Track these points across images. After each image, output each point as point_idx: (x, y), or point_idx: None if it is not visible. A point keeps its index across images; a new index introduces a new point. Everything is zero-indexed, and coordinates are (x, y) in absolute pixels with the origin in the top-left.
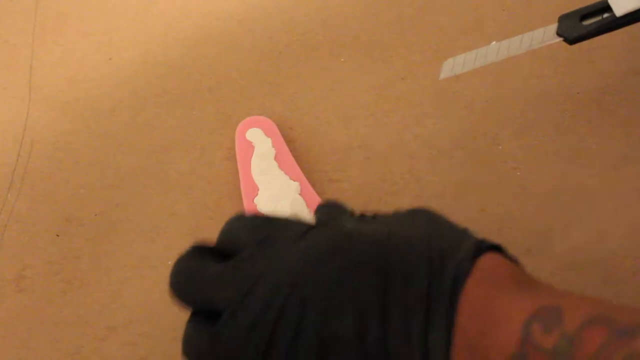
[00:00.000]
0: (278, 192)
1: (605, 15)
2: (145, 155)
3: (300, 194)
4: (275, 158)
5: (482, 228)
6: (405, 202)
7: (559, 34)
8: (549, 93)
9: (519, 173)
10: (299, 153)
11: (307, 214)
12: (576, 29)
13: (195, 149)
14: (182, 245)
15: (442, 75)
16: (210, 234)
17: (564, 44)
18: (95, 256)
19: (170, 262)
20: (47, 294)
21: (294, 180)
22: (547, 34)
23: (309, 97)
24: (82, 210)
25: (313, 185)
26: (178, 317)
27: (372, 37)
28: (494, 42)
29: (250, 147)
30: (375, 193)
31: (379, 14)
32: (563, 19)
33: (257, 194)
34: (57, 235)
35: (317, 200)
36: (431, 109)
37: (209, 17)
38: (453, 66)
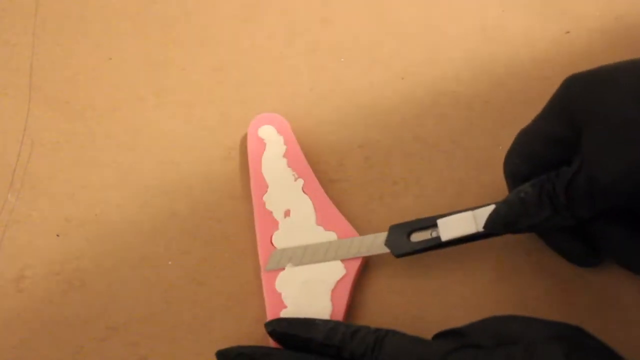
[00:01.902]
0: (284, 189)
1: (433, 233)
2: (145, 155)
3: (304, 191)
4: (285, 155)
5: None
6: (405, 202)
7: (387, 245)
8: (549, 93)
9: None
10: None
11: (311, 211)
12: (403, 245)
13: (195, 149)
14: (182, 245)
15: (269, 267)
16: (211, 234)
17: None
18: (95, 256)
19: (171, 262)
20: (47, 294)
21: (299, 177)
22: (376, 243)
23: (309, 97)
24: (82, 210)
25: None
26: (178, 317)
27: (373, 37)
28: (326, 244)
29: (262, 144)
30: (375, 193)
31: (380, 14)
32: (393, 231)
33: (266, 191)
34: (57, 235)
35: (322, 197)
36: (431, 109)
37: (209, 17)
38: (280, 259)
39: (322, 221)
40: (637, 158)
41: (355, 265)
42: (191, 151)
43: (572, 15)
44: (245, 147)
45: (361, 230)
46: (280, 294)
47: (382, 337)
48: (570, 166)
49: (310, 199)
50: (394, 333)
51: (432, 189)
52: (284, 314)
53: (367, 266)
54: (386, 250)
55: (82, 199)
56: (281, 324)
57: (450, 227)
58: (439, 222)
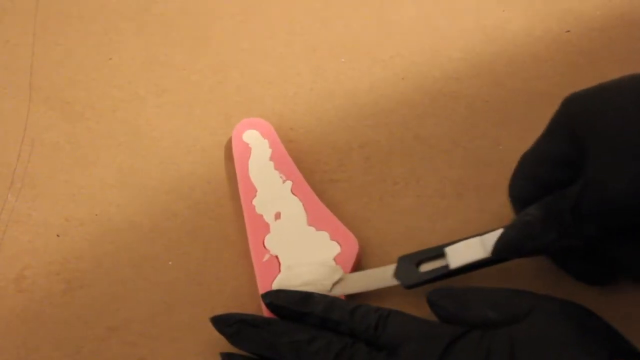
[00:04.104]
0: (273, 192)
1: (442, 262)
2: (145, 155)
3: (293, 193)
4: (271, 158)
5: (482, 228)
6: (405, 202)
7: (396, 277)
8: (549, 93)
9: None
10: (299, 153)
11: (301, 213)
12: (412, 276)
13: (195, 149)
14: (182, 245)
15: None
16: (211, 234)
17: None
18: (95, 256)
19: (171, 262)
20: (47, 294)
21: (287, 179)
22: (385, 275)
23: (309, 97)
24: (82, 210)
25: (313, 185)
26: (178, 317)
27: (373, 37)
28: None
29: (247, 149)
30: (375, 193)
31: (380, 14)
32: (401, 262)
33: (255, 195)
34: (57, 235)
35: (312, 198)
36: (431, 109)
37: (209, 17)
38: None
39: (314, 222)
40: None
41: (349, 266)
42: (191, 151)
43: (572, 15)
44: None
45: (361, 231)
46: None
47: (385, 315)
48: (575, 186)
49: (300, 200)
50: (397, 312)
51: (432, 189)
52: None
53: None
54: (396, 282)
55: (82, 199)
56: (279, 296)
57: (459, 255)
58: (447, 250)
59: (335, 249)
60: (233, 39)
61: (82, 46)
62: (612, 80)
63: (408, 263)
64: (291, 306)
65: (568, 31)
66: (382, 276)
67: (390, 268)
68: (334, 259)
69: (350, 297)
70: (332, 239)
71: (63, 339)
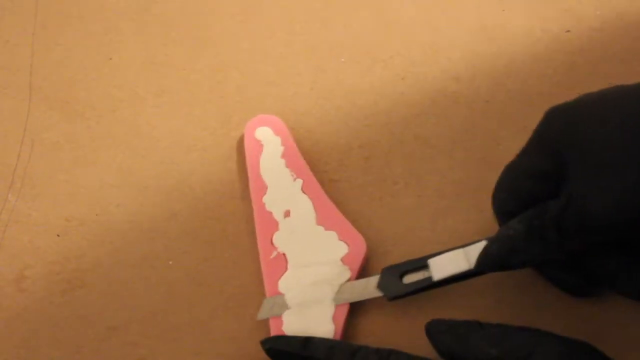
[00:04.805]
0: (284, 190)
1: (425, 273)
2: (145, 155)
3: (303, 191)
4: (283, 156)
5: (482, 228)
6: (406, 202)
7: (379, 288)
8: (549, 93)
9: None
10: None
11: (311, 211)
12: (396, 288)
13: (195, 149)
14: (182, 245)
15: (260, 316)
16: (211, 234)
17: None
18: (95, 256)
19: (171, 262)
20: (47, 294)
21: (298, 177)
22: (368, 287)
23: (309, 97)
24: (82, 210)
25: None
26: (178, 317)
27: (373, 37)
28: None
29: (259, 145)
30: (375, 193)
31: (380, 15)
32: (385, 273)
33: (265, 193)
34: (57, 235)
35: (322, 197)
36: (431, 109)
37: (209, 17)
38: (272, 306)
39: (323, 221)
40: (626, 188)
41: (356, 267)
42: (191, 151)
43: (572, 14)
44: (244, 148)
45: (361, 230)
46: (283, 296)
47: (385, 356)
48: (557, 200)
49: (310, 199)
50: (397, 352)
51: (432, 189)
52: (286, 315)
53: (362, 276)
54: (379, 293)
55: (82, 199)
56: (279, 342)
57: (442, 266)
58: (430, 261)
59: (343, 249)
60: (233, 39)
61: (82, 46)
62: (594, 93)
63: (391, 274)
64: (291, 351)
65: (568, 31)
66: (366, 287)
67: (374, 279)
68: (342, 259)
69: (351, 312)
70: (340, 239)
71: (63, 339)
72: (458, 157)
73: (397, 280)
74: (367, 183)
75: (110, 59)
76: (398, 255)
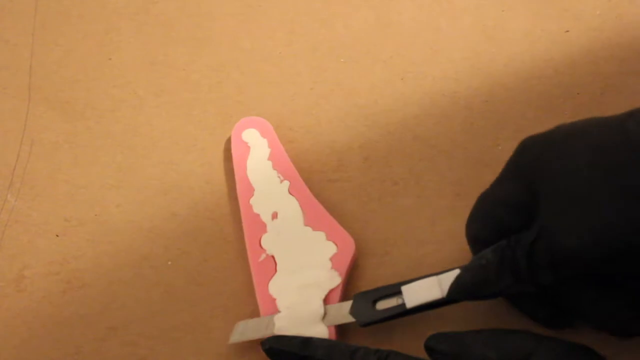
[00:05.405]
0: (271, 192)
1: (398, 300)
2: (144, 155)
3: (290, 193)
4: (270, 158)
5: None
6: (405, 202)
7: (352, 314)
8: (549, 93)
9: None
10: (299, 153)
11: (298, 213)
12: (368, 314)
13: (195, 149)
14: (182, 245)
15: (232, 340)
16: (210, 234)
17: None
18: (95, 256)
19: (171, 262)
20: (47, 294)
21: (285, 179)
22: (340, 312)
23: (309, 97)
24: (82, 210)
25: (312, 185)
26: (178, 317)
27: (373, 37)
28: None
29: (246, 148)
30: (375, 193)
31: (380, 14)
32: (357, 299)
33: (252, 195)
34: (57, 235)
35: (309, 198)
36: (431, 109)
37: (209, 17)
38: (244, 330)
39: (311, 222)
40: (595, 225)
41: (345, 267)
42: (191, 151)
43: (572, 15)
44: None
45: (360, 231)
46: (274, 300)
47: (384, 357)
48: (530, 231)
49: (297, 200)
50: (396, 353)
51: (432, 189)
52: (278, 319)
53: (361, 276)
54: (351, 319)
55: (81, 199)
56: (278, 342)
57: (415, 294)
58: (403, 288)
59: (332, 249)
60: (233, 39)
61: (81, 46)
62: (568, 124)
63: (364, 300)
64: (291, 351)
65: (568, 31)
66: (338, 312)
67: (347, 304)
68: (330, 260)
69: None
70: (328, 239)
71: (63, 339)
72: (457, 157)
73: (370, 306)
74: (366, 183)
75: (110, 59)
76: (397, 255)
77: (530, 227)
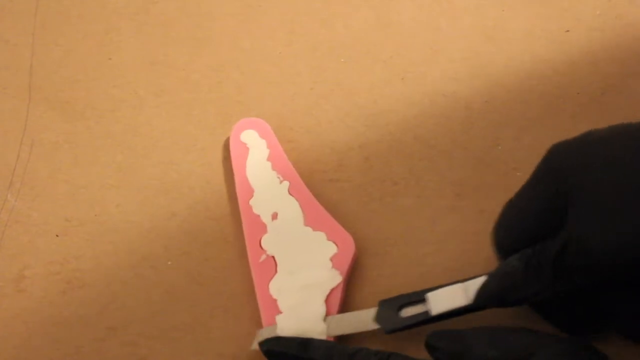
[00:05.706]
0: (270, 193)
1: (423, 307)
2: (144, 155)
3: (290, 193)
4: (269, 159)
5: (481, 228)
6: (405, 202)
7: (376, 321)
8: (549, 93)
9: (519, 173)
10: (299, 153)
11: (298, 213)
12: (393, 321)
13: (195, 149)
14: (182, 245)
15: (253, 346)
16: (211, 234)
17: None
18: (95, 256)
19: (171, 262)
20: (47, 294)
21: (285, 180)
22: (366, 319)
23: (309, 97)
24: (82, 210)
25: (312, 185)
26: (178, 317)
27: (373, 37)
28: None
29: (245, 149)
30: (375, 193)
31: (380, 14)
32: (382, 306)
33: (252, 196)
34: (57, 235)
35: (309, 198)
36: (431, 109)
37: (209, 17)
38: (267, 335)
39: (311, 222)
40: (629, 228)
41: (345, 267)
42: (191, 151)
43: (572, 15)
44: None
45: (360, 231)
46: (275, 300)
47: (385, 359)
48: (556, 239)
49: (297, 201)
50: (397, 355)
51: (432, 189)
52: (279, 319)
53: (361, 276)
54: (376, 326)
55: (81, 199)
56: (277, 343)
57: (441, 301)
58: (429, 295)
59: (332, 249)
60: (233, 39)
61: (81, 46)
62: (599, 130)
63: (389, 307)
64: (290, 352)
65: (568, 31)
66: (363, 320)
67: (372, 312)
68: (331, 260)
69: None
70: (328, 239)
71: (63, 339)
72: (457, 157)
73: (395, 314)
74: (366, 183)
75: (110, 59)
76: (397, 255)
77: (557, 234)
